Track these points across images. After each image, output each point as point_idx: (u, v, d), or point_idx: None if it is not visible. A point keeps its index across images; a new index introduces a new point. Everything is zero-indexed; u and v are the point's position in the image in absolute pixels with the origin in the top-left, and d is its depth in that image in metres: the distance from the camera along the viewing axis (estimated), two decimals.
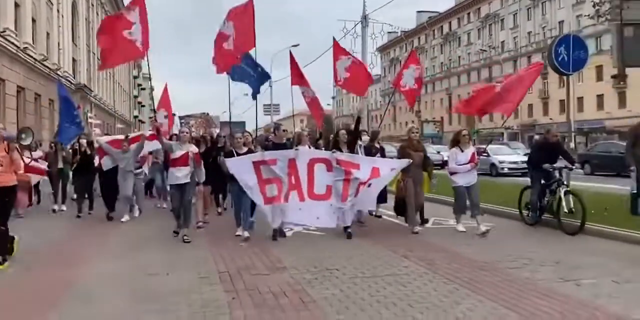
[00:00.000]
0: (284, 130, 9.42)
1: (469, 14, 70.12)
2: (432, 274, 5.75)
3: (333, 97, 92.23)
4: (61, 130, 11.58)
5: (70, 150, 11.62)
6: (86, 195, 11.17)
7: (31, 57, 23.67)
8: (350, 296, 4.94)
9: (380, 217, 9.94)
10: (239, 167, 7.71)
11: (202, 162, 8.29)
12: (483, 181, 12.78)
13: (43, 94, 25.98)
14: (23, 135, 6.42)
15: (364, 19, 22.57)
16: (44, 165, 11.23)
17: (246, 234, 7.84)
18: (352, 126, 9.37)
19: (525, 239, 7.91)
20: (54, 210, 11.42)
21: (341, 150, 8.20)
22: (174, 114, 35.39)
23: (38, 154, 11.66)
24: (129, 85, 67.04)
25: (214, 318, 4.39)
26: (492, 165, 21.83)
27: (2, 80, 20.47)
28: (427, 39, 79.47)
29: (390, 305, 4.68)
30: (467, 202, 8.42)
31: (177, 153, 7.88)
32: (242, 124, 39.45)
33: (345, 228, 8.02)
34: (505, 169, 21.66)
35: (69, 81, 30.85)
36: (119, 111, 54.42)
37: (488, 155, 20.66)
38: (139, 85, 78.17)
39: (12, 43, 21.02)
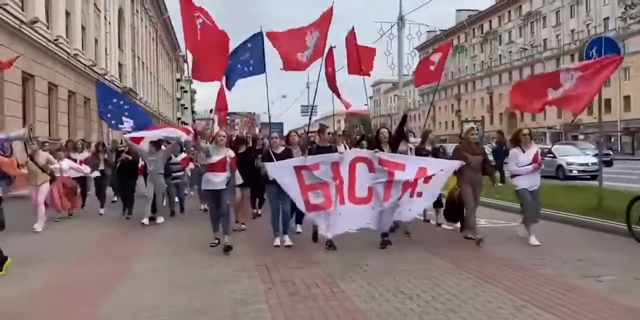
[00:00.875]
0: (328, 133, 8.66)
1: (509, 12, 69.07)
2: (457, 269, 6.06)
3: (370, 97, 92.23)
4: (105, 114, 11.93)
5: (113, 153, 11.70)
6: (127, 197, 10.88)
7: (81, 62, 24.85)
8: (377, 288, 5.31)
9: (440, 225, 9.29)
10: (280, 171, 7.32)
11: (237, 166, 8.04)
12: (551, 185, 12.63)
13: (92, 98, 27.15)
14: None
15: (400, 20, 22.79)
16: (87, 169, 11.25)
17: (288, 241, 7.61)
18: (386, 125, 9.18)
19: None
20: (101, 214, 11.30)
21: (382, 151, 7.57)
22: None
23: (84, 155, 11.88)
24: (172, 88, 68.84)
25: (251, 305, 4.84)
26: (559, 167, 20.08)
27: (55, 85, 21.61)
28: (467, 37, 78.58)
29: (414, 296, 5.03)
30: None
31: (215, 158, 7.53)
32: (280, 124, 40.09)
33: (383, 235, 7.50)
34: (575, 171, 19.87)
35: (116, 85, 32.11)
36: (163, 113, 55.99)
37: (554, 157, 19.19)
38: (182, 88, 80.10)
39: (64, 50, 22.16)
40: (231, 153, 7.85)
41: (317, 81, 9.49)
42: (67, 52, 22.54)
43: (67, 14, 23.56)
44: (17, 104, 17.39)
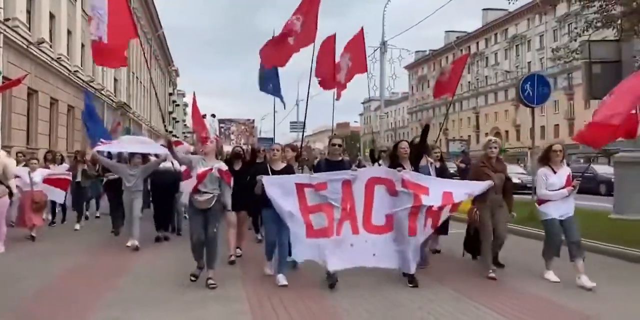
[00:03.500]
0: (334, 145, 6.87)
1: (496, 34, 71.24)
2: (441, 287, 6.25)
3: (360, 114, 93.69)
4: (90, 132, 12.12)
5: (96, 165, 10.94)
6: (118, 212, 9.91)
7: (80, 79, 26.03)
8: (351, 285, 6.10)
9: (439, 251, 8.36)
10: (278, 188, 6.22)
11: (233, 182, 6.56)
12: None
13: None
14: None
15: (383, 45, 24.30)
16: (69, 176, 10.80)
17: (283, 281, 6.23)
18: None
19: None
20: (76, 229, 10.81)
21: (403, 168, 6.41)
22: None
23: (64, 166, 11.60)
24: (164, 101, 70.06)
25: (232, 291, 6.04)
26: None
27: (56, 100, 22.77)
28: (455, 58, 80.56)
29: (378, 295, 5.81)
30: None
31: (200, 171, 6.26)
32: (271, 140, 41.17)
33: (408, 275, 6.33)
34: None
35: (111, 99, 33.32)
36: (155, 127, 57.13)
37: None
38: (174, 101, 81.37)
39: (66, 67, 23.36)
40: (222, 165, 6.54)
41: (307, 98, 9.12)
42: (68, 69, 23.72)
43: (69, 33, 24.80)
44: (22, 117, 18.54)
